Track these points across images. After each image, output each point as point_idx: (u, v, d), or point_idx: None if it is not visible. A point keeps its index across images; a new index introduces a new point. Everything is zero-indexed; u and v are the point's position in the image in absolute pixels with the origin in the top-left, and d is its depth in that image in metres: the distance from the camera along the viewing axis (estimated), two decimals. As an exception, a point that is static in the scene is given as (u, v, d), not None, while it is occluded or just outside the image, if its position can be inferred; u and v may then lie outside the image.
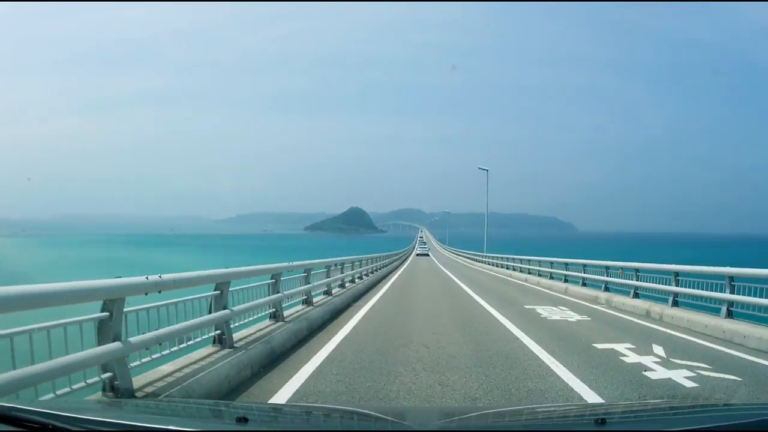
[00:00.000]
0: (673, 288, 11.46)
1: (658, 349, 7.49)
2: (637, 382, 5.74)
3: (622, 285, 14.23)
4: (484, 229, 46.36)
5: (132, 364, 4.39)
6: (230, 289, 6.44)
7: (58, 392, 3.64)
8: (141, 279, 4.45)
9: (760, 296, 8.81)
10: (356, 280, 17.72)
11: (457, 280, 24.14)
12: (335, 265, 14.13)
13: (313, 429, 2.54)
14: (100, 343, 4.02)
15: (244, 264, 7.69)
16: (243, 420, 2.14)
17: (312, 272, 11.05)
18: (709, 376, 6.01)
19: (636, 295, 13.15)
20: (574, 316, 11.24)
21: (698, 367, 6.42)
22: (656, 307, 11.54)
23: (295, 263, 10.01)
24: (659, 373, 6.14)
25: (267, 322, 8.06)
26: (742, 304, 9.28)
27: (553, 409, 4.02)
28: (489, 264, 38.86)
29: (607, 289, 15.04)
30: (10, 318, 3.41)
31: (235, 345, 6.22)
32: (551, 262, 21.98)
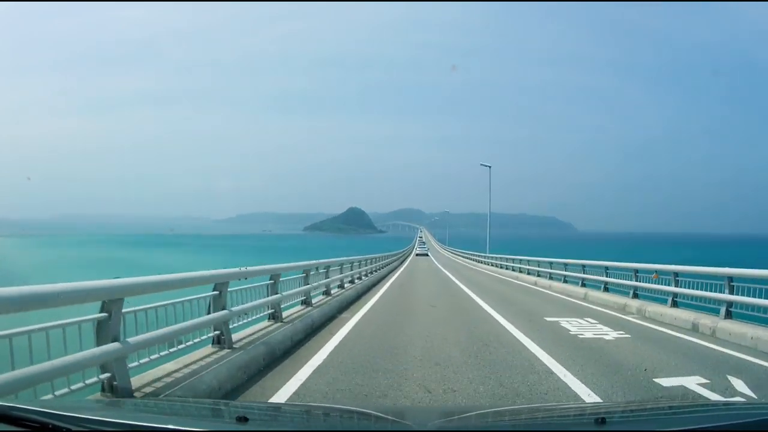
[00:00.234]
0: (727, 296, 9.50)
1: (740, 384, 5.70)
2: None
3: (655, 291, 12.44)
4: (485, 229, 45.08)
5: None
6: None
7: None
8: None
9: None
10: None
11: (460, 284, 21.75)
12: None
13: (312, 428, 2.54)
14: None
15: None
16: (243, 419, 2.14)
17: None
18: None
19: (675, 304, 11.29)
20: (609, 333, 9.19)
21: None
22: (706, 320, 9.53)
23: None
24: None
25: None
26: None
27: (553, 408, 4.01)
28: (492, 265, 36.93)
29: (636, 296, 13.21)
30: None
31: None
32: (565, 264, 19.98)
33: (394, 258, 41.89)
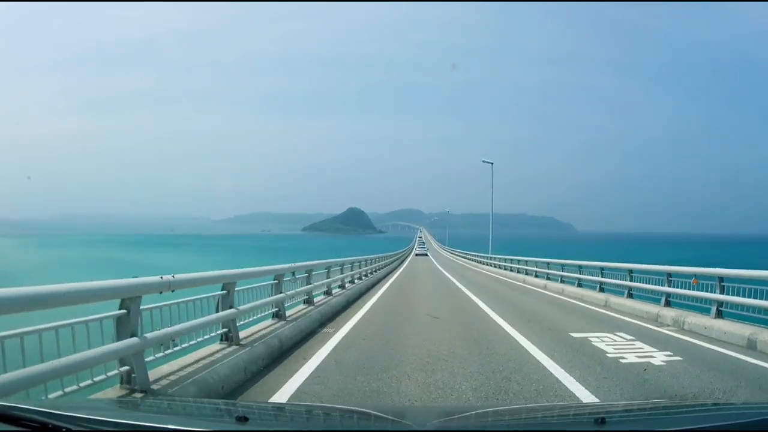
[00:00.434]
0: None
1: None
2: None
3: (691, 297, 10.83)
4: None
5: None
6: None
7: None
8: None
9: None
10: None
11: (463, 288, 19.84)
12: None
13: (312, 428, 2.56)
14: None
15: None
16: (243, 419, 2.15)
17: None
18: None
19: (719, 314, 9.60)
20: (654, 354, 7.35)
21: None
22: (765, 335, 7.98)
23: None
24: None
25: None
26: None
27: (552, 408, 4.05)
28: (494, 266, 35.09)
29: (668, 304, 11.55)
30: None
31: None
32: (579, 266, 17.91)
33: (393, 259, 40.97)
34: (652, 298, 12.54)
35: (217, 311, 6.29)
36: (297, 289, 10.09)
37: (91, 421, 1.88)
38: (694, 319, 9.95)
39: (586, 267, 17.45)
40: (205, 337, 6.01)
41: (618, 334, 9.13)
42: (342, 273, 15.28)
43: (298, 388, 5.55)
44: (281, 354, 7.11)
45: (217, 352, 5.99)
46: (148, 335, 4.61)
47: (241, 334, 6.80)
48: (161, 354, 4.98)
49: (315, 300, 11.27)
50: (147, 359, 4.65)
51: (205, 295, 6.02)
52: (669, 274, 11.88)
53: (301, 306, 10.53)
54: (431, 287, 21.17)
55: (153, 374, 4.75)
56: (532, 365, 6.67)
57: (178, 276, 5.05)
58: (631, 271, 13.90)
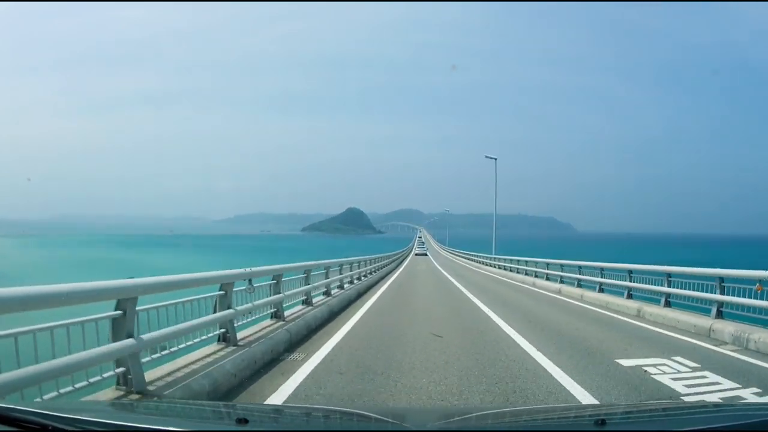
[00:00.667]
0: None
1: None
2: None
3: (751, 308, 9.02)
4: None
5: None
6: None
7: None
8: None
9: None
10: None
11: (467, 293, 17.82)
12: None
13: (312, 429, 2.57)
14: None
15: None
16: (243, 421, 2.15)
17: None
18: None
19: None
20: (737, 390, 5.65)
21: None
22: None
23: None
24: None
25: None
26: None
27: (553, 409, 4.05)
28: (498, 267, 33.20)
29: (720, 314, 9.57)
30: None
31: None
32: (601, 269, 15.71)
33: (393, 258, 40.39)
34: (696, 307, 10.62)
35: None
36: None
37: (90, 422, 1.89)
38: (759, 334, 7.98)
39: (609, 270, 15.32)
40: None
41: (675, 359, 7.08)
42: (327, 278, 13.17)
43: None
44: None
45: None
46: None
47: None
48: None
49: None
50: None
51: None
52: (721, 279, 9.79)
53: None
54: (432, 292, 18.93)
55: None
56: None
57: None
58: (669, 275, 11.77)
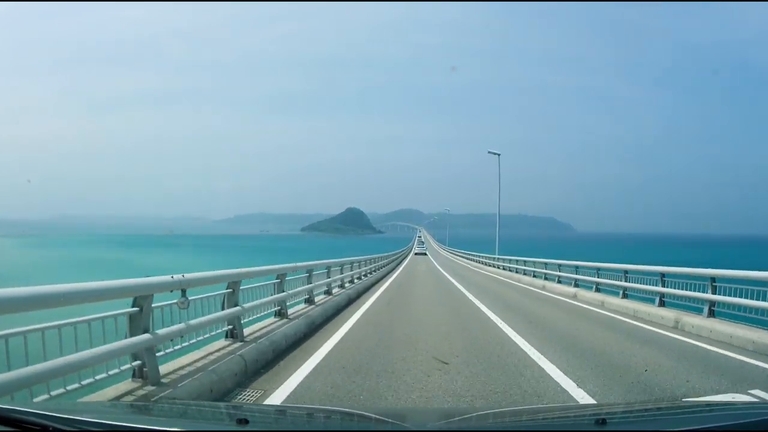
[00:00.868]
0: None
1: None
2: None
3: None
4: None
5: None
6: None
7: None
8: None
9: None
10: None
11: (472, 298, 16.00)
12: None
13: (313, 430, 2.58)
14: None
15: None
16: (243, 421, 2.16)
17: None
18: None
19: None
20: None
21: None
22: None
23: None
24: None
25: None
26: None
27: (553, 409, 4.08)
28: (502, 268, 31.39)
29: None
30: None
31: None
32: (625, 272, 13.88)
33: (392, 258, 39.69)
34: (748, 318, 8.90)
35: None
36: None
37: (90, 423, 1.90)
38: None
39: (634, 272, 13.51)
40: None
41: (754, 393, 5.47)
42: (308, 284, 11.21)
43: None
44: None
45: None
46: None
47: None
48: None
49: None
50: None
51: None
52: None
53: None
54: (433, 298, 16.85)
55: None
56: None
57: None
58: (713, 279, 9.85)
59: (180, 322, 5.30)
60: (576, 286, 17.57)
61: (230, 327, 6.70)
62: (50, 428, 1.82)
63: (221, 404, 4.28)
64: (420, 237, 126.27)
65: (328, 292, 13.25)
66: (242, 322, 6.98)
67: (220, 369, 5.43)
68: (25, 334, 3.52)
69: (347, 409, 3.79)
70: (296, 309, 10.05)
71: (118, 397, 4.27)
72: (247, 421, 2.13)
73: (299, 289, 10.41)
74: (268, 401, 5.05)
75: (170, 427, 2.05)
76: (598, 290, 15.68)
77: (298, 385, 5.62)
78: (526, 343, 8.28)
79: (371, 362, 6.77)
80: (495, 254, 36.42)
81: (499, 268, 32.84)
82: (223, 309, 6.54)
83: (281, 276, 9.00)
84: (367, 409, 4.40)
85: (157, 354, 4.89)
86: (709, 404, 3.91)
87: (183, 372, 5.12)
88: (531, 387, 5.66)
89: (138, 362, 4.62)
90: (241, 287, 7.01)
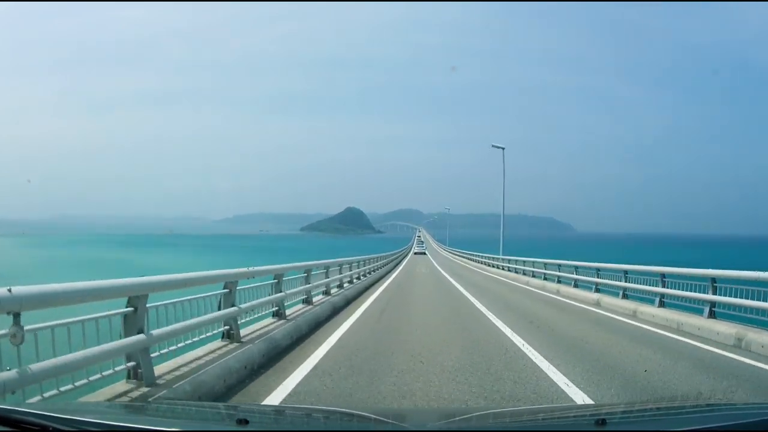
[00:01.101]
0: None
1: None
2: None
3: None
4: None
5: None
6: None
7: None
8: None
9: None
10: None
11: (480, 307, 13.46)
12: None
13: (313, 430, 2.59)
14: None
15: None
16: (243, 422, 2.16)
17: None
18: None
19: None
20: None
21: None
22: None
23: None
24: None
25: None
26: None
27: (554, 409, 4.07)
28: (507, 270, 29.69)
29: None
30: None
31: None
32: (662, 274, 11.79)
33: (391, 258, 38.68)
34: None
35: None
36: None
37: (90, 423, 1.91)
38: None
39: (672, 276, 11.55)
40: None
41: None
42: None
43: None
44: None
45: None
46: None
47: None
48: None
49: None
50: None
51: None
52: None
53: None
54: (435, 312, 13.15)
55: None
56: None
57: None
58: None
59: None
60: (597, 291, 15.34)
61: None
62: (50, 428, 1.82)
63: (221, 404, 4.26)
64: (419, 237, 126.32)
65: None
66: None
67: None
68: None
69: (347, 410, 3.77)
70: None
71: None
72: (247, 422, 2.13)
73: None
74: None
75: (170, 427, 2.05)
76: (625, 297, 13.48)
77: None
78: (548, 363, 6.64)
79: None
80: (499, 254, 34.60)
81: (502, 269, 31.31)
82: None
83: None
84: (367, 409, 4.39)
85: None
86: (709, 404, 3.91)
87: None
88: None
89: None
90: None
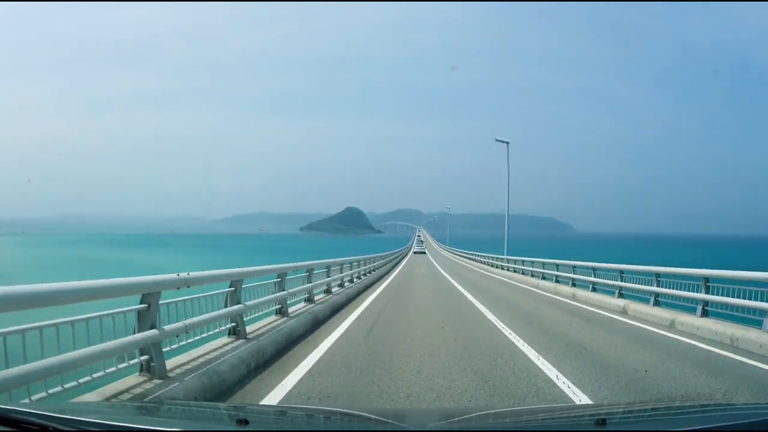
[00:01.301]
0: None
1: None
2: None
3: None
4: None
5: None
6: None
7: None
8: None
9: None
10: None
11: (487, 312, 12.32)
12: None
13: (313, 430, 2.60)
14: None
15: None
16: (243, 422, 2.16)
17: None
18: None
19: None
20: None
21: None
22: None
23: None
24: None
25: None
26: None
27: (554, 409, 4.08)
28: (512, 271, 28.51)
29: None
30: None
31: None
32: (706, 278, 10.13)
33: (391, 258, 37.76)
34: None
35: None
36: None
37: (91, 423, 1.91)
38: None
39: (715, 279, 10.02)
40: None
41: None
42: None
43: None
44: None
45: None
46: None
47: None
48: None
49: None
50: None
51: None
52: None
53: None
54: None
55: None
56: None
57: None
58: None
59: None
60: (620, 296, 13.75)
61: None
62: (50, 428, 1.82)
63: (221, 404, 4.29)
64: (419, 236, 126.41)
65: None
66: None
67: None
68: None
69: (347, 410, 3.78)
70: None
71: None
72: (247, 422, 2.13)
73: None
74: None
75: (170, 427, 2.07)
76: (657, 304, 11.80)
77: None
78: (572, 385, 5.72)
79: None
80: (503, 254, 32.73)
81: (507, 270, 29.82)
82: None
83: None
84: (367, 409, 4.41)
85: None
86: (709, 404, 3.84)
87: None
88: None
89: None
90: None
